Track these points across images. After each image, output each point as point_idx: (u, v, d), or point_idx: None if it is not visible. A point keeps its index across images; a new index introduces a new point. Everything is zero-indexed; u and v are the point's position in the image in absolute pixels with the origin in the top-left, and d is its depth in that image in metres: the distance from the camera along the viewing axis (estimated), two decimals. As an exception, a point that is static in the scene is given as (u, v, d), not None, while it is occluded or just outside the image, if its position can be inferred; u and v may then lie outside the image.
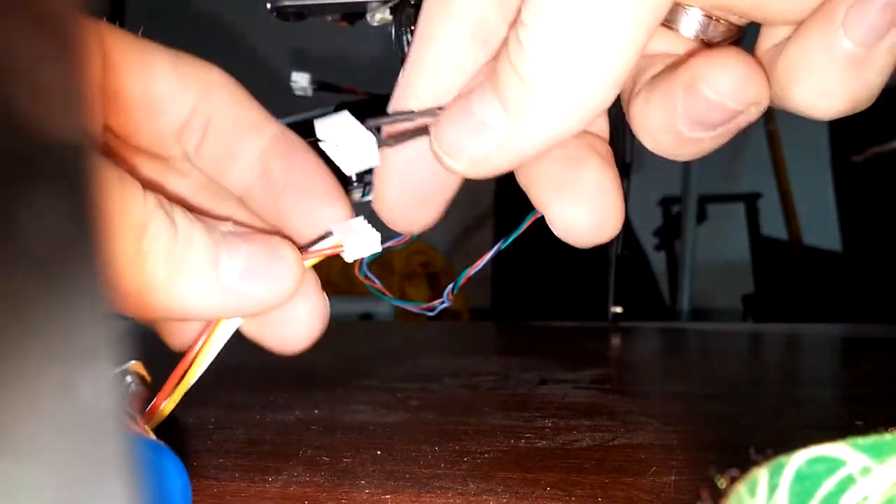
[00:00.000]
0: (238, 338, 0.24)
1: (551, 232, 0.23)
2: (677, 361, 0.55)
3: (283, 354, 0.24)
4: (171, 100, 0.24)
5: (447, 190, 0.24)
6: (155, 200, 0.21)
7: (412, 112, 0.22)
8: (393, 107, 0.23)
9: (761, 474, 0.15)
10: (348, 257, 0.24)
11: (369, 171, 0.24)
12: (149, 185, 0.21)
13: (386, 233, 0.27)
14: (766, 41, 0.22)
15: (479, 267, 0.26)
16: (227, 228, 0.22)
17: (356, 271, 0.30)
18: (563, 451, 0.29)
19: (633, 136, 0.23)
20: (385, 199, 0.24)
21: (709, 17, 0.22)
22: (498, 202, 1.64)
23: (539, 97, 0.20)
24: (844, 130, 1.39)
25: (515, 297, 1.61)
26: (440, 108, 0.22)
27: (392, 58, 0.34)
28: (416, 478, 0.26)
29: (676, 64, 0.21)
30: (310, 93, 0.41)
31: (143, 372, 0.26)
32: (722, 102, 0.20)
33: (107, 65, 0.22)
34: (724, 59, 0.20)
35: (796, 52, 0.20)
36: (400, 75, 0.23)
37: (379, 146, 0.23)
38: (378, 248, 0.24)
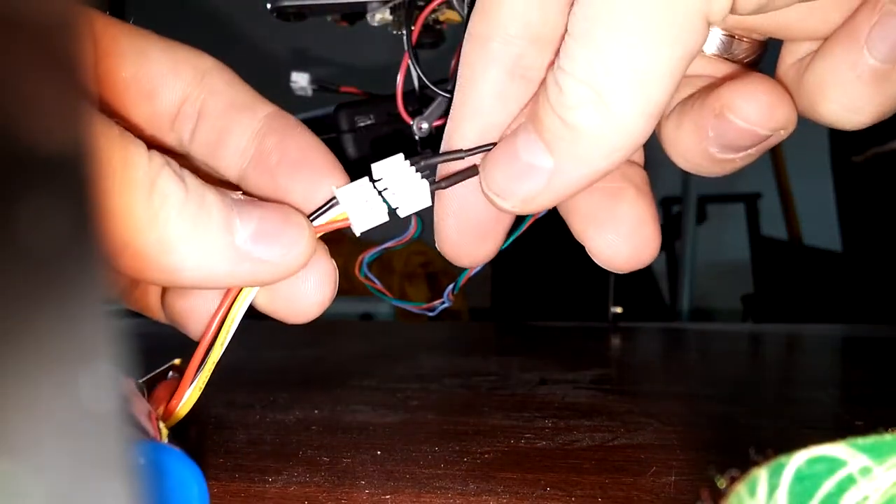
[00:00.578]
0: (238, 338, 0.24)
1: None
2: (677, 361, 0.55)
3: (295, 324, 0.24)
4: (163, 84, 0.24)
5: (504, 221, 0.25)
6: (161, 159, 0.21)
7: (461, 151, 0.23)
8: (443, 148, 0.24)
9: (761, 474, 0.15)
10: (356, 230, 0.24)
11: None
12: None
13: (386, 233, 0.27)
14: (789, 57, 0.23)
15: (479, 267, 0.26)
16: (238, 196, 0.22)
17: (356, 271, 0.30)
18: (563, 451, 0.29)
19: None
20: (446, 239, 0.25)
21: (731, 36, 0.23)
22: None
23: (582, 139, 0.20)
24: (844, 131, 1.39)
25: (515, 297, 1.61)
26: (488, 147, 0.23)
27: (392, 58, 0.34)
28: (416, 478, 0.26)
29: (706, 90, 0.22)
30: (309, 93, 0.41)
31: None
32: (751, 129, 0.21)
33: (98, 50, 0.23)
34: (751, 87, 0.21)
35: (822, 70, 0.21)
36: (448, 119, 0.24)
37: (432, 188, 0.24)
38: (385, 218, 0.24)
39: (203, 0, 1.85)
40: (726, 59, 0.24)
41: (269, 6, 0.36)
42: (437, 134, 0.33)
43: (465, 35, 0.23)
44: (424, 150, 0.34)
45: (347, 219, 0.23)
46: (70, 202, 0.09)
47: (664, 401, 0.38)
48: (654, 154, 0.26)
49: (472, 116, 0.23)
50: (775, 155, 1.57)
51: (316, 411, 0.35)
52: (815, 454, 0.14)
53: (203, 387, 0.24)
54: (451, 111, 0.24)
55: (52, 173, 0.09)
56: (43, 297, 0.08)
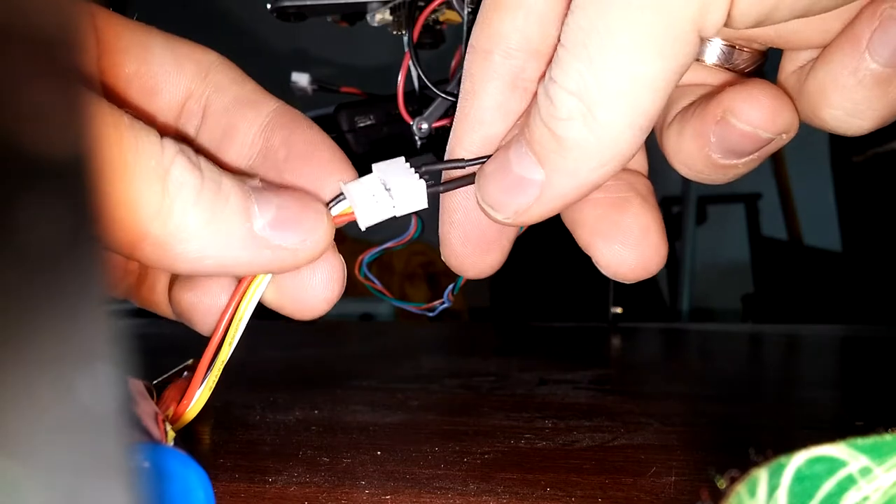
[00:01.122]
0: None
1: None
2: (677, 362, 0.55)
3: (302, 319, 0.24)
4: (166, 79, 0.24)
5: (508, 233, 0.25)
6: (175, 146, 0.20)
7: (462, 160, 0.24)
8: (446, 157, 0.24)
9: (761, 474, 0.15)
10: (362, 224, 0.24)
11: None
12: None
13: (386, 233, 0.27)
14: (789, 64, 0.23)
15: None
16: (255, 183, 0.22)
17: (356, 271, 0.30)
18: (563, 452, 0.29)
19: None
20: (451, 250, 0.25)
21: (731, 45, 0.23)
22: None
23: (571, 152, 0.20)
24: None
25: (515, 297, 1.61)
26: (487, 157, 0.23)
27: (392, 58, 0.34)
28: (416, 478, 0.26)
29: (707, 96, 0.22)
30: (309, 93, 0.41)
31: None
32: (754, 133, 0.21)
33: (100, 45, 0.22)
34: (753, 91, 0.21)
35: (824, 75, 0.21)
36: (451, 130, 0.24)
37: (428, 190, 0.24)
38: (391, 213, 0.24)
39: (203, 0, 1.85)
40: (727, 68, 0.24)
41: (269, 6, 0.36)
42: (436, 134, 0.33)
43: (468, 48, 0.23)
44: (426, 154, 0.34)
45: (352, 212, 0.23)
46: (70, 202, 0.09)
47: (664, 401, 0.38)
48: (653, 154, 0.26)
49: (474, 127, 0.24)
50: (775, 155, 1.57)
51: (316, 411, 0.35)
52: (815, 454, 0.14)
53: (213, 387, 0.24)
54: (454, 122, 0.24)
55: (51, 174, 0.09)
56: (43, 297, 0.08)
